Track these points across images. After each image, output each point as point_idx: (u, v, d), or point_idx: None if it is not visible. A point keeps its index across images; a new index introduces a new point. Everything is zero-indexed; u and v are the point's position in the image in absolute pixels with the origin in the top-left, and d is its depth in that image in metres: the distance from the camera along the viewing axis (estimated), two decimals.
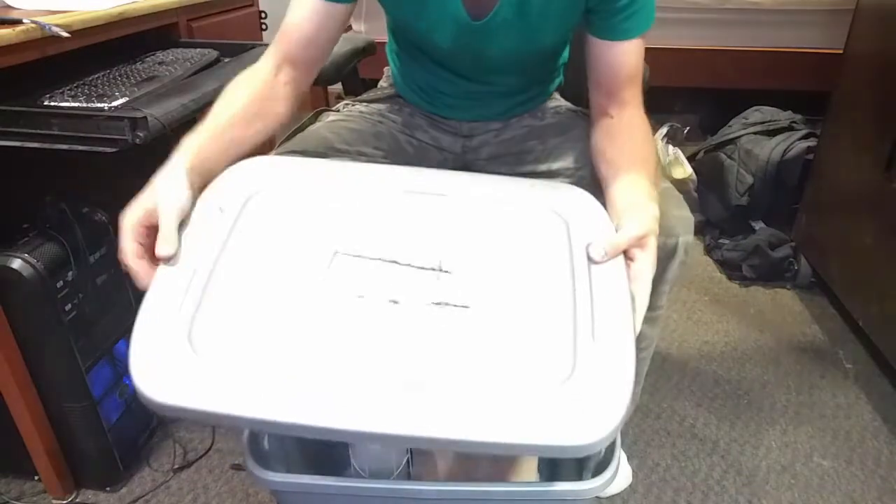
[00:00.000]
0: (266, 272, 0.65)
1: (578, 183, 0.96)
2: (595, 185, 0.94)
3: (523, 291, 0.66)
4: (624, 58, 0.88)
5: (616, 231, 0.71)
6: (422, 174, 0.83)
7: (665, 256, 0.86)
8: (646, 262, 0.68)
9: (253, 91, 0.82)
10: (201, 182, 0.73)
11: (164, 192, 0.67)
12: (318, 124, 1.04)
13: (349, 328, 0.61)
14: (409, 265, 0.67)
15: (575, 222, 0.73)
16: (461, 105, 1.05)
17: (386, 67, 1.16)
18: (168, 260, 0.63)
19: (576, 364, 0.57)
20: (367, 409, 0.53)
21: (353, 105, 1.11)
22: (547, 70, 1.08)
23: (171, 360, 0.55)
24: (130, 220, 0.64)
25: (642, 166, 0.79)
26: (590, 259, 0.68)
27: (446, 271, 0.67)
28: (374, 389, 0.55)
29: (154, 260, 0.64)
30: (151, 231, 0.65)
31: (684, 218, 0.87)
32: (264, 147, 0.86)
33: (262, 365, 0.56)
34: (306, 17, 0.86)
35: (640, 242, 0.68)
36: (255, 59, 1.21)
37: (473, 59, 0.93)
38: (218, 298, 0.61)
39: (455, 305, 0.63)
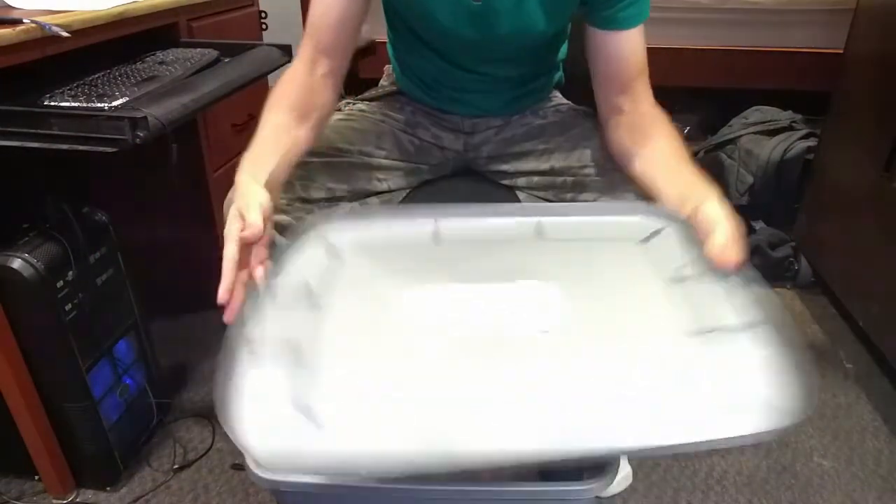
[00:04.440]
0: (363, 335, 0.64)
1: (581, 182, 0.96)
2: (596, 184, 0.94)
3: (636, 308, 0.64)
4: (630, 46, 0.88)
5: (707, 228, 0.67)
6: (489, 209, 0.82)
7: None
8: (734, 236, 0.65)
9: (296, 94, 0.84)
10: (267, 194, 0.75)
11: (247, 197, 0.67)
12: None
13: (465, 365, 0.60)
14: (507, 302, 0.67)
15: (661, 243, 0.72)
16: (462, 98, 1.05)
17: (387, 66, 1.16)
18: (250, 237, 0.64)
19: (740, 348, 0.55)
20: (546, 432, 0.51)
21: (354, 104, 1.11)
22: (545, 62, 1.08)
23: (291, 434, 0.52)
24: (232, 230, 0.65)
25: (680, 152, 0.80)
26: (721, 267, 0.63)
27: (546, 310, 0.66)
28: (525, 414, 0.53)
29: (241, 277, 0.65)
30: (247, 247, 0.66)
31: None
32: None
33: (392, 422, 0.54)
34: (331, 3, 0.87)
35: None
36: (255, 59, 1.22)
37: (472, 45, 0.94)
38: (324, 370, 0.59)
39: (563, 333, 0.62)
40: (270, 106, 0.83)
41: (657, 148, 0.82)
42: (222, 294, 0.61)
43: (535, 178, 1.03)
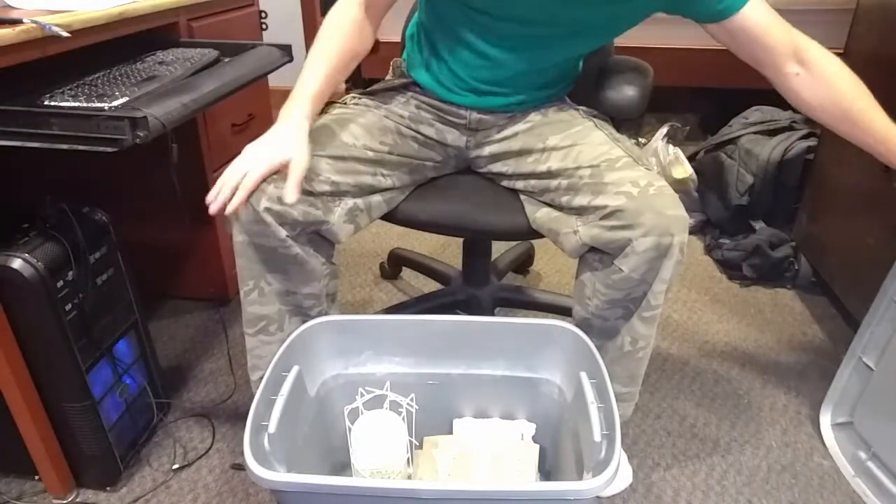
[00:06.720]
0: None
1: (574, 185, 0.96)
2: (588, 187, 0.93)
3: None
4: (758, 21, 0.92)
5: None
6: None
7: (660, 256, 0.87)
8: None
9: (348, 36, 0.96)
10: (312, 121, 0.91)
11: (297, 156, 0.84)
12: (325, 117, 1.04)
13: None
14: None
15: None
16: (491, 91, 1.04)
17: (395, 60, 1.15)
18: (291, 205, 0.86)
19: None
20: None
21: (360, 98, 1.11)
22: (574, 66, 1.10)
23: None
24: (263, 168, 0.83)
25: (858, 104, 0.94)
26: None
27: None
28: None
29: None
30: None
31: (679, 217, 0.87)
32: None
33: None
34: None
35: None
36: (255, 59, 1.22)
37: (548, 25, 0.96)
38: None
39: None
40: (325, 39, 0.94)
41: (857, 105, 0.93)
42: (214, 209, 0.87)
43: (532, 182, 1.03)
